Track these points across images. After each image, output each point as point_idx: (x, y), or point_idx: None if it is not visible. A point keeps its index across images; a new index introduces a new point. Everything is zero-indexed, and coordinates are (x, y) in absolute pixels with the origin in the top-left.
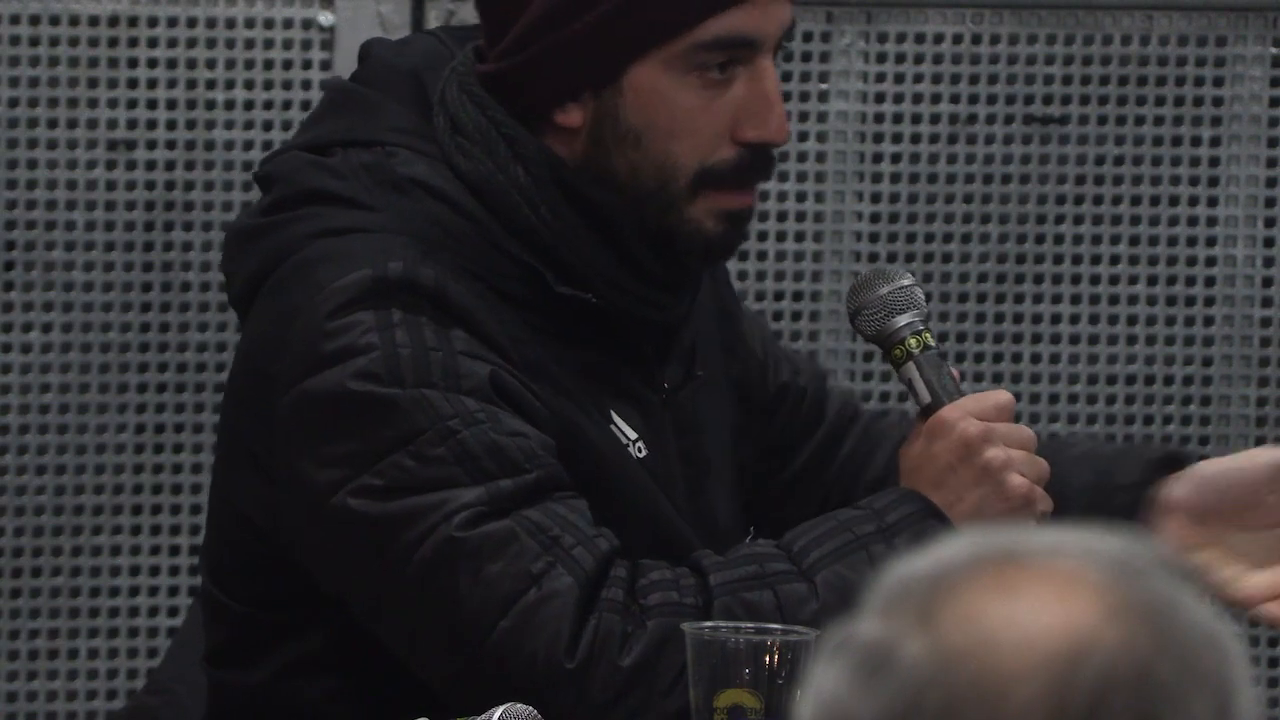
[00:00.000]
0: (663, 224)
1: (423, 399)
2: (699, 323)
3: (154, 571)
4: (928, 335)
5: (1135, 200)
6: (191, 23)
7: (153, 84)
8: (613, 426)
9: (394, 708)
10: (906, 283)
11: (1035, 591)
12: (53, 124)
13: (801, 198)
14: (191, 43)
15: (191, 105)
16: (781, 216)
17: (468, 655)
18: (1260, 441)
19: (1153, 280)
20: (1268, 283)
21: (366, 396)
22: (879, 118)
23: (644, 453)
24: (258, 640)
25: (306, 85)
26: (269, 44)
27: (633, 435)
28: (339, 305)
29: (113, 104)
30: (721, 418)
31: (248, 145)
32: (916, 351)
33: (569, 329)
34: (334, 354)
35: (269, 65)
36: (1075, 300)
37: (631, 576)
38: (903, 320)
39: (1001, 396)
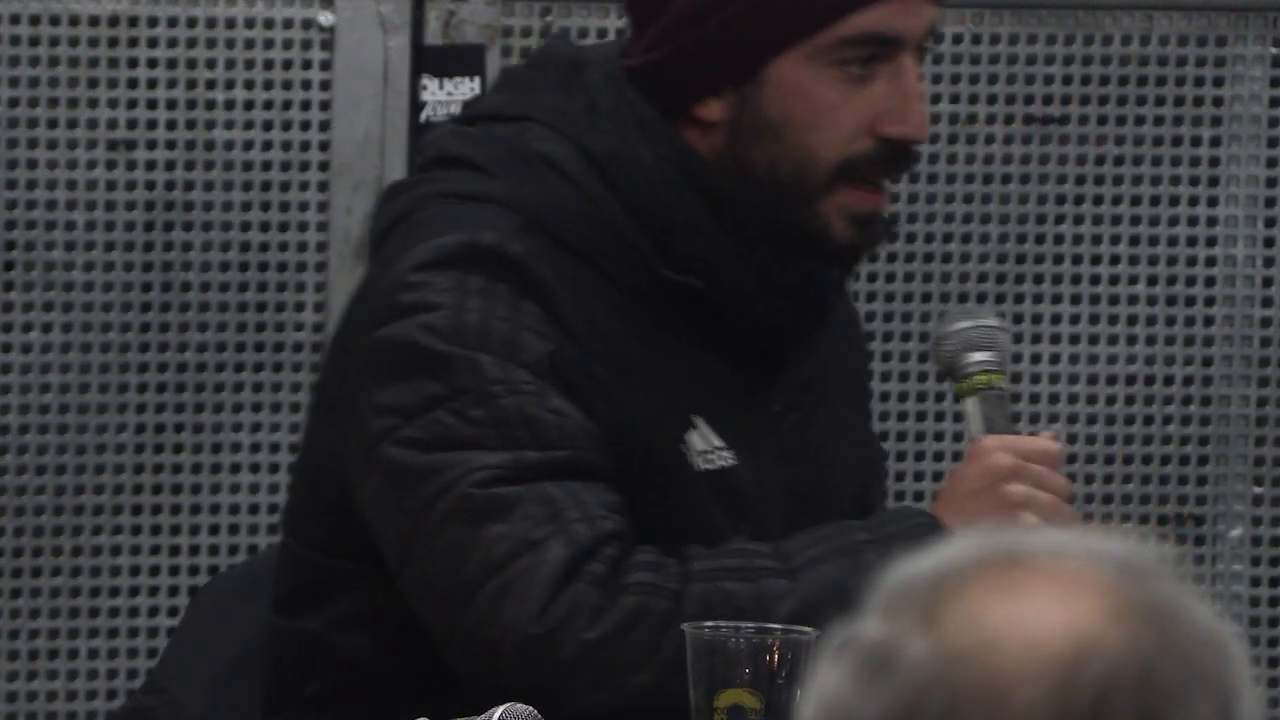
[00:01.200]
0: (797, 219)
1: (475, 360)
2: (836, 351)
3: (154, 571)
4: (999, 378)
5: (1135, 200)
6: (191, 23)
7: (153, 84)
8: (697, 431)
9: (436, 669)
10: (991, 323)
11: (1039, 592)
12: (53, 124)
13: None
14: (191, 43)
15: (191, 105)
16: None
17: (457, 609)
18: (1260, 442)
19: (1153, 280)
20: (1268, 283)
21: (426, 351)
22: None
23: (730, 463)
24: (317, 588)
25: (306, 85)
26: (269, 44)
27: (718, 443)
28: (424, 262)
29: (113, 104)
30: (845, 454)
31: (248, 145)
32: (983, 388)
33: (675, 324)
34: (408, 306)
35: (269, 65)
36: (1075, 300)
37: (620, 556)
38: (977, 357)
39: (1049, 445)
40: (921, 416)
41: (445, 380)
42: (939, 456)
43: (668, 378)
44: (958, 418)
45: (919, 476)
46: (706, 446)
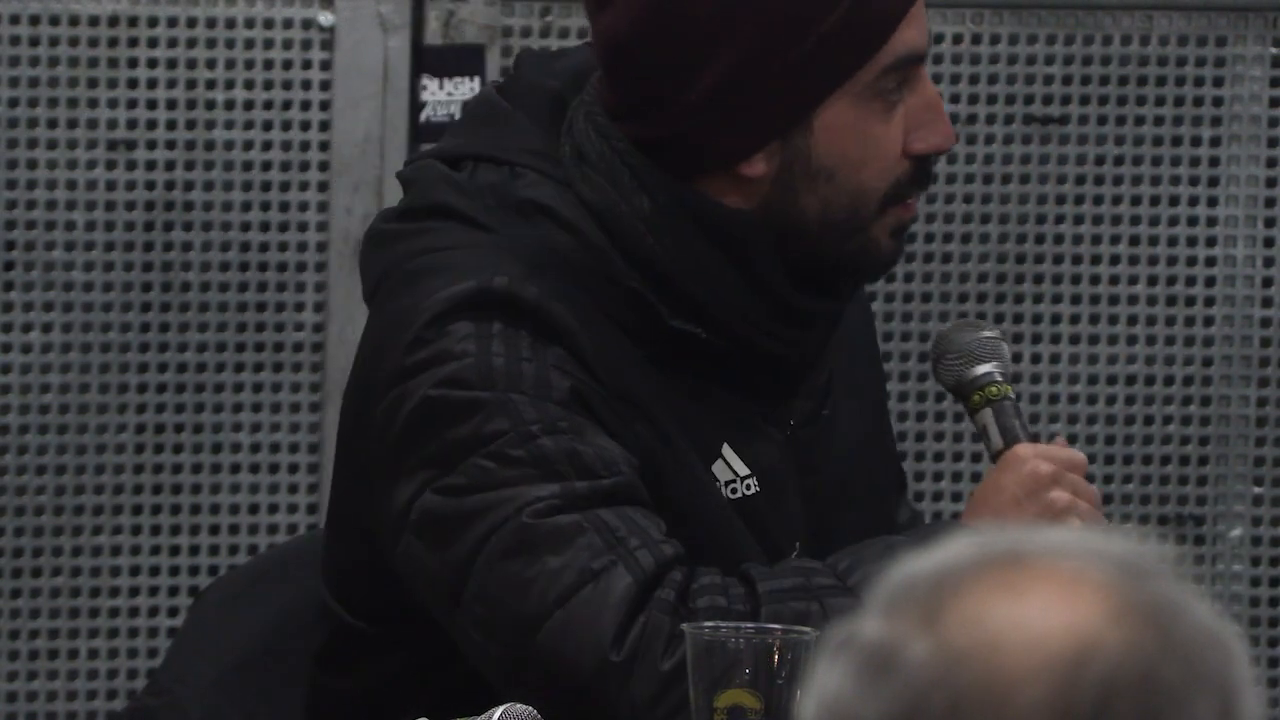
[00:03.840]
0: (845, 250)
1: (509, 402)
2: (847, 349)
3: (154, 571)
4: (1008, 388)
5: (1135, 200)
6: (191, 23)
7: (153, 84)
8: (721, 461)
9: None
10: (991, 334)
11: (1040, 592)
12: (53, 124)
13: None
14: (191, 43)
15: (191, 105)
16: None
17: (523, 643)
18: (1260, 442)
19: (1153, 280)
20: (1268, 283)
21: (453, 400)
22: None
23: (754, 490)
24: (358, 649)
25: (306, 85)
26: (269, 44)
27: (743, 471)
28: (440, 314)
29: (113, 104)
30: (861, 445)
31: (248, 145)
32: (995, 399)
33: (684, 362)
34: (427, 360)
35: (269, 65)
36: (1075, 300)
37: (687, 581)
38: (982, 369)
39: (1078, 455)
40: (922, 416)
41: (478, 425)
42: (939, 457)
43: (686, 412)
44: (958, 418)
45: (919, 476)
46: (732, 476)
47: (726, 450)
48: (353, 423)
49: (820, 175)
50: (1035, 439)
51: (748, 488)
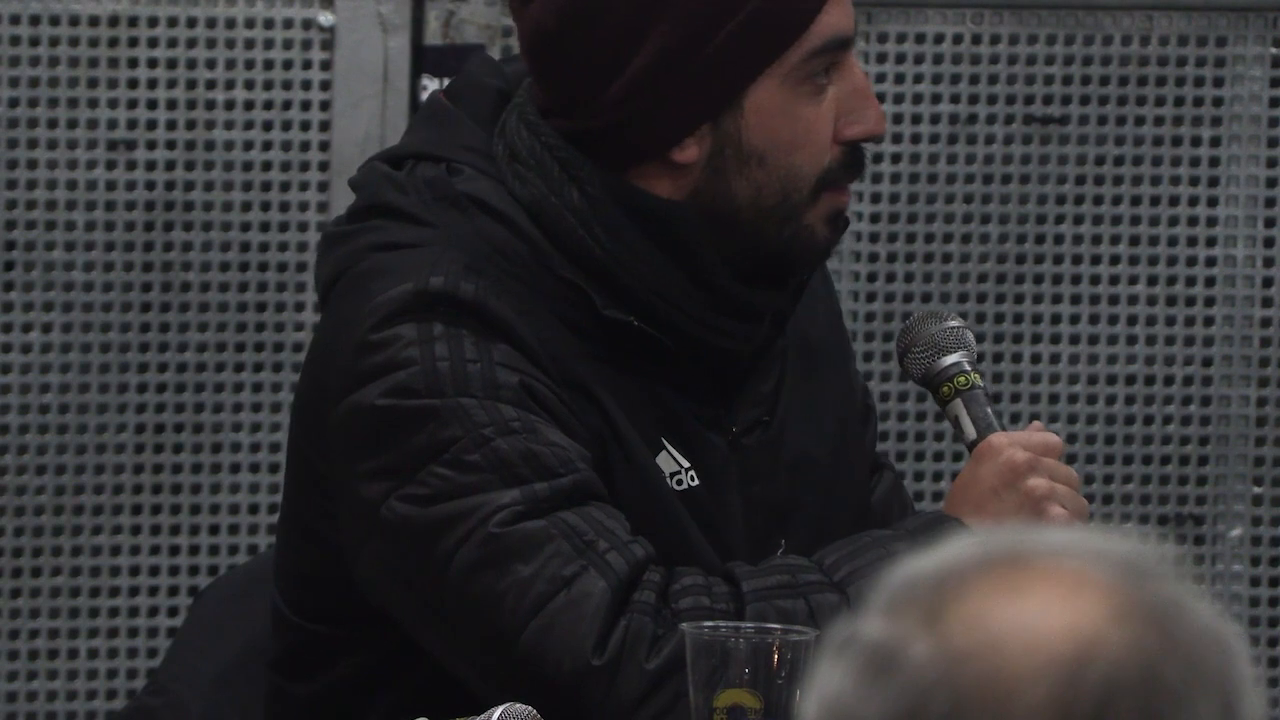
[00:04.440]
0: (781, 236)
1: (459, 408)
2: (805, 358)
3: (154, 571)
4: (976, 376)
5: (1135, 200)
6: (191, 23)
7: (153, 84)
8: (665, 452)
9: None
10: (955, 324)
11: (1041, 592)
12: (53, 124)
13: None
14: (191, 43)
15: (191, 105)
16: None
17: (501, 655)
18: (1260, 442)
19: (1153, 280)
20: (1268, 283)
21: (405, 409)
22: None
23: (696, 482)
24: (316, 653)
25: (306, 85)
26: (269, 44)
27: (685, 463)
28: (382, 319)
29: (113, 104)
30: (821, 453)
31: (248, 145)
32: (964, 389)
33: (623, 354)
34: (376, 368)
35: (269, 65)
36: (1075, 300)
37: (665, 581)
38: (950, 359)
39: (1051, 438)
40: (921, 417)
41: (432, 433)
42: (939, 456)
43: (628, 406)
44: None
45: (919, 476)
46: (676, 468)
47: (666, 443)
48: (305, 427)
49: (752, 159)
50: (1004, 427)
51: (691, 479)
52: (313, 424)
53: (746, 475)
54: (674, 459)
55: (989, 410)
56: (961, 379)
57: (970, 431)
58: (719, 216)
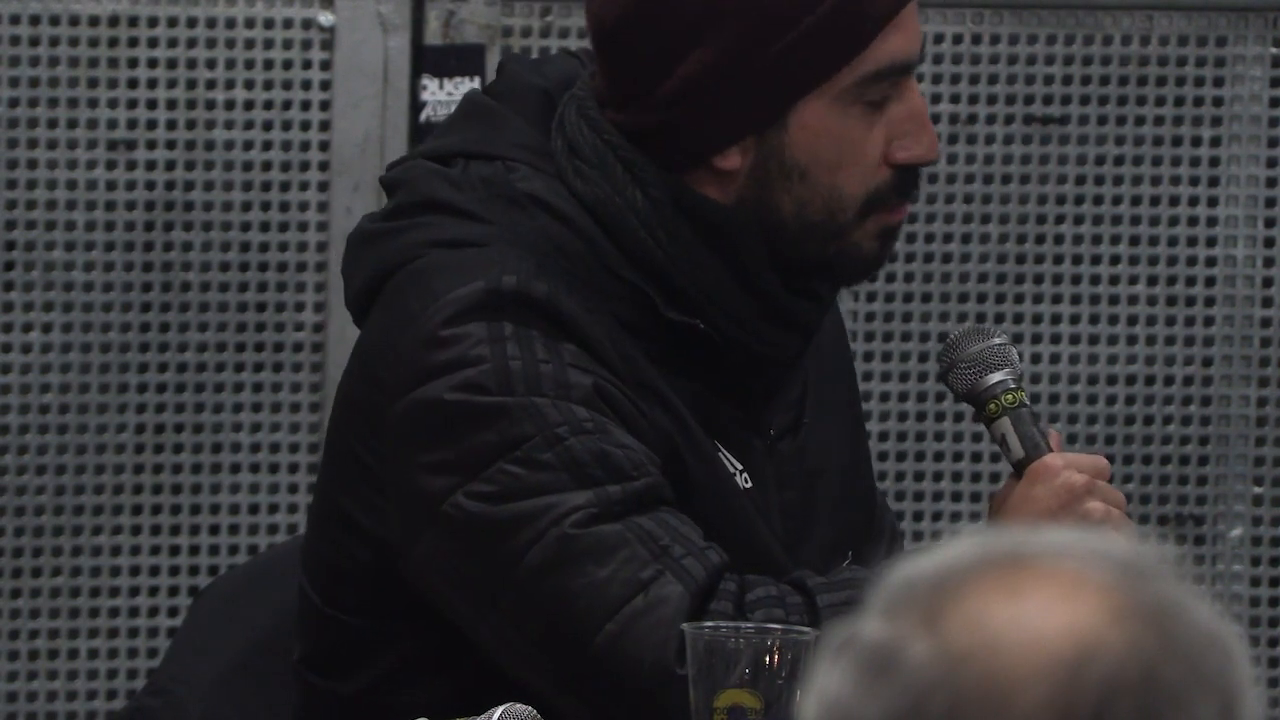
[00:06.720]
0: (826, 252)
1: (532, 406)
2: (819, 362)
3: (154, 571)
4: (1021, 394)
5: (1135, 200)
6: (191, 23)
7: (153, 84)
8: (720, 454)
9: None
10: (1000, 341)
11: (1041, 593)
12: (53, 124)
13: None
14: (191, 43)
15: (191, 105)
16: None
17: (573, 658)
18: (1260, 442)
19: (1153, 280)
20: (1268, 283)
21: (476, 405)
22: None
23: (749, 484)
24: (355, 648)
25: (306, 85)
26: (269, 44)
27: (739, 466)
28: (451, 316)
29: (113, 104)
30: (835, 460)
31: (248, 145)
32: (1011, 407)
33: (678, 357)
34: (445, 364)
35: (269, 65)
36: (1075, 300)
37: (740, 590)
38: (995, 378)
39: (1101, 461)
40: (922, 417)
41: (503, 430)
42: (939, 457)
43: (687, 408)
44: (958, 418)
45: (919, 477)
46: (732, 469)
47: (720, 446)
48: (353, 422)
49: (794, 173)
50: (1050, 445)
51: (745, 480)
52: (364, 419)
53: (780, 479)
54: (728, 461)
55: (1035, 429)
56: (1008, 397)
57: (1018, 450)
58: (766, 226)
